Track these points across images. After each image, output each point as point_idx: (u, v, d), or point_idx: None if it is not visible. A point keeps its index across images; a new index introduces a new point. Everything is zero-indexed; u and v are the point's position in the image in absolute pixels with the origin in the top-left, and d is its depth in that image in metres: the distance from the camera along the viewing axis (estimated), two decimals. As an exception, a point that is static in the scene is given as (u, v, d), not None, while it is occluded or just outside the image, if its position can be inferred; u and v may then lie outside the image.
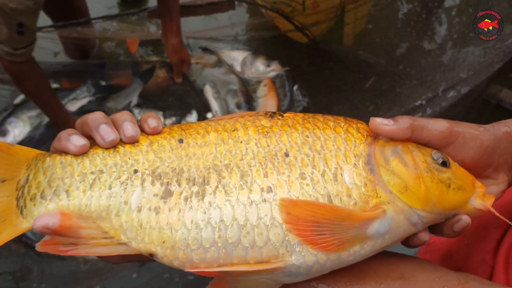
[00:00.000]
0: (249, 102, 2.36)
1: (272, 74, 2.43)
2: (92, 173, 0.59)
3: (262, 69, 2.44)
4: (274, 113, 0.65)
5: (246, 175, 0.57)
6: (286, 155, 0.59)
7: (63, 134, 0.61)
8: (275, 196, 0.55)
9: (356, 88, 2.31)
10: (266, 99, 2.32)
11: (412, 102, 1.79)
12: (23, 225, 0.59)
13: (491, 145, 0.65)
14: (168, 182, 0.57)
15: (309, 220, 0.54)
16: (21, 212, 0.59)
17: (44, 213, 0.58)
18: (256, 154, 0.59)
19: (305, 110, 2.25)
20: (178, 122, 2.31)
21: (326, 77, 2.40)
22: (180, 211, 0.56)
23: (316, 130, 0.61)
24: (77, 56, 2.68)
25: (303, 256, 0.55)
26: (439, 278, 0.60)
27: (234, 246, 0.54)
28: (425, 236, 0.61)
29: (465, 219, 0.61)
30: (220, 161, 0.58)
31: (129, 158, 0.60)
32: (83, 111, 2.28)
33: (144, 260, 0.58)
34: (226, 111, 2.33)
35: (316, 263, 0.55)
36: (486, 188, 0.63)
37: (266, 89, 2.36)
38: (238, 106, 2.32)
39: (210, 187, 0.56)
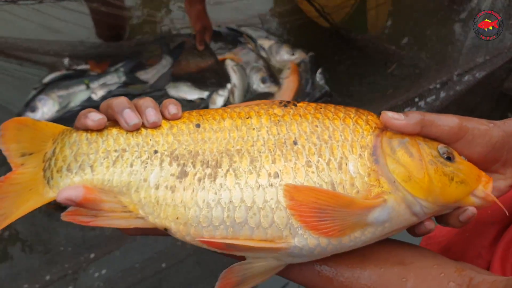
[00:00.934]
0: (273, 76, 2.37)
1: (296, 61, 2.44)
2: (115, 151, 0.63)
3: (287, 57, 2.46)
4: (288, 102, 0.68)
5: (256, 161, 0.61)
6: (295, 143, 0.62)
7: (81, 112, 0.66)
8: (281, 182, 0.59)
9: (377, 74, 2.32)
10: (288, 82, 2.34)
11: (427, 86, 1.79)
12: (49, 195, 0.63)
13: (500, 141, 0.66)
14: (184, 164, 0.61)
15: (311, 207, 0.57)
16: (48, 183, 0.64)
17: (69, 185, 0.62)
18: (266, 141, 0.62)
19: (326, 95, 2.27)
20: (209, 96, 2.31)
21: (348, 64, 2.40)
22: (193, 190, 0.60)
23: (326, 121, 0.64)
24: (107, 38, 2.69)
25: (305, 239, 0.58)
26: (437, 265, 0.63)
27: (241, 226, 0.58)
28: (430, 224, 0.64)
29: (471, 209, 0.63)
30: (233, 146, 0.62)
31: (150, 140, 0.64)
32: (112, 95, 2.28)
33: (159, 235, 0.63)
34: (246, 86, 2.33)
35: (318, 246, 0.59)
36: (492, 180, 0.64)
37: (289, 72, 2.37)
38: (263, 81, 2.33)
39: (222, 170, 0.61)
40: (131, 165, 0.62)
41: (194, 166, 0.61)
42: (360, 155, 0.62)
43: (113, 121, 0.66)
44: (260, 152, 0.61)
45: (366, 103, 2.09)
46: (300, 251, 0.59)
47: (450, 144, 0.65)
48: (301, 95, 2.29)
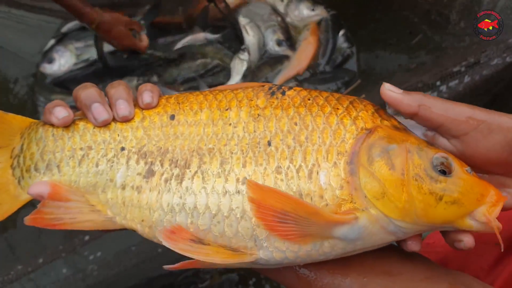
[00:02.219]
0: (289, 40, 2.24)
1: (316, 18, 2.28)
2: (81, 149, 0.61)
3: (306, 13, 2.31)
4: (279, 88, 0.63)
5: (226, 163, 0.58)
6: (269, 143, 0.58)
7: (48, 106, 0.63)
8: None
9: (402, 44, 2.13)
10: (306, 44, 2.21)
11: (451, 67, 1.64)
12: (22, 197, 0.62)
13: None
14: (152, 162, 0.59)
15: (273, 206, 0.53)
16: (19, 183, 0.63)
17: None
18: (240, 140, 0.59)
19: (348, 58, 2.14)
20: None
21: (371, 29, 2.22)
22: (159, 192, 0.58)
23: (307, 117, 0.59)
24: None
25: (270, 252, 0.55)
26: (427, 278, 0.58)
27: (205, 233, 0.56)
28: (413, 245, 0.58)
29: (466, 242, 0.57)
30: (205, 145, 0.59)
31: (118, 135, 0.61)
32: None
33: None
34: (262, 47, 2.21)
35: (285, 259, 0.56)
36: (502, 201, 0.55)
37: (308, 33, 2.24)
38: (278, 43, 2.21)
39: (190, 171, 0.58)
40: (97, 165, 0.60)
41: (162, 165, 0.59)
42: (335, 163, 0.56)
43: (81, 112, 0.63)
44: (232, 153, 0.58)
45: (386, 76, 1.94)
46: (267, 262, 0.57)
47: (459, 136, 0.58)
48: (320, 60, 2.17)
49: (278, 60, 2.17)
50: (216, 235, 0.56)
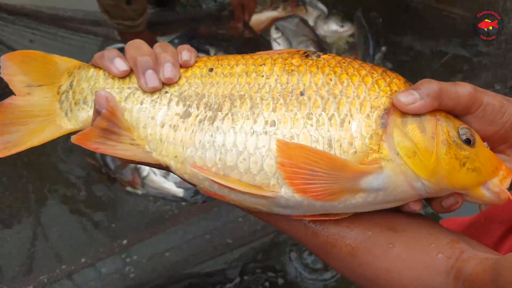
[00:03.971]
0: (323, 52, 2.25)
1: (347, 34, 2.36)
2: (129, 88, 0.66)
3: (336, 29, 2.38)
4: (314, 52, 0.66)
5: (256, 107, 0.60)
6: (301, 94, 0.60)
7: (106, 53, 0.67)
8: (276, 130, 0.58)
9: (432, 61, 2.16)
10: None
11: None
12: (67, 127, 0.67)
13: None
14: (189, 105, 0.63)
15: (301, 167, 0.55)
16: (66, 115, 0.68)
17: (86, 119, 0.66)
18: (272, 89, 0.61)
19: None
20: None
21: (406, 41, 2.25)
22: (192, 131, 0.61)
23: (343, 75, 0.61)
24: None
25: (291, 190, 0.57)
26: (430, 235, 0.60)
27: (231, 169, 0.59)
28: (414, 206, 0.61)
29: (456, 197, 0.60)
30: (237, 91, 0.62)
31: None
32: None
33: (163, 169, 0.66)
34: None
35: (305, 199, 0.57)
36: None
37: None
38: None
39: (221, 113, 0.61)
40: (141, 103, 0.64)
41: (197, 108, 0.63)
42: (368, 115, 0.58)
43: None
44: (262, 99, 0.61)
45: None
46: (287, 202, 0.58)
47: (459, 116, 0.61)
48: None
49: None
50: (242, 171, 0.58)
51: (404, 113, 0.58)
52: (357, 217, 0.61)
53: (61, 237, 1.88)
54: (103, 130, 0.62)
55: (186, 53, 0.67)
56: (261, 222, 1.63)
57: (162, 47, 0.67)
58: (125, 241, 1.68)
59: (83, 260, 1.64)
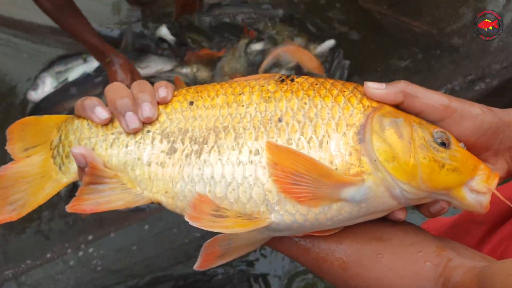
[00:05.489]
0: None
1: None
2: (113, 134, 0.68)
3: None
4: (288, 76, 0.68)
5: (239, 137, 0.63)
6: (280, 120, 0.63)
7: (86, 103, 0.69)
8: (261, 158, 0.61)
9: (392, 64, 2.20)
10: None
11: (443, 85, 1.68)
12: (63, 180, 0.71)
13: (493, 128, 0.63)
14: (173, 140, 0.65)
15: (289, 168, 0.58)
16: (60, 169, 0.71)
17: (77, 169, 0.68)
18: (252, 118, 0.64)
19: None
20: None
21: (370, 50, 2.28)
22: (180, 166, 0.64)
23: (316, 98, 0.64)
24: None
25: (281, 215, 0.60)
26: (417, 243, 0.62)
27: (221, 200, 0.61)
28: (399, 214, 0.63)
29: (442, 204, 0.62)
30: (221, 123, 0.64)
31: None
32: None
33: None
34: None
35: (295, 222, 0.60)
36: (492, 173, 0.61)
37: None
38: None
39: (207, 146, 0.63)
40: (126, 146, 0.67)
41: (183, 143, 0.65)
42: (345, 133, 0.61)
43: None
44: (245, 129, 0.63)
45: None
46: (278, 226, 0.61)
47: (434, 122, 0.64)
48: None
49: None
50: (232, 201, 0.61)
51: (381, 120, 0.61)
52: (345, 230, 0.64)
53: (26, 232, 1.85)
54: (92, 184, 0.64)
55: (163, 90, 0.68)
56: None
57: (140, 86, 0.69)
58: (90, 237, 1.69)
59: (48, 255, 1.64)
